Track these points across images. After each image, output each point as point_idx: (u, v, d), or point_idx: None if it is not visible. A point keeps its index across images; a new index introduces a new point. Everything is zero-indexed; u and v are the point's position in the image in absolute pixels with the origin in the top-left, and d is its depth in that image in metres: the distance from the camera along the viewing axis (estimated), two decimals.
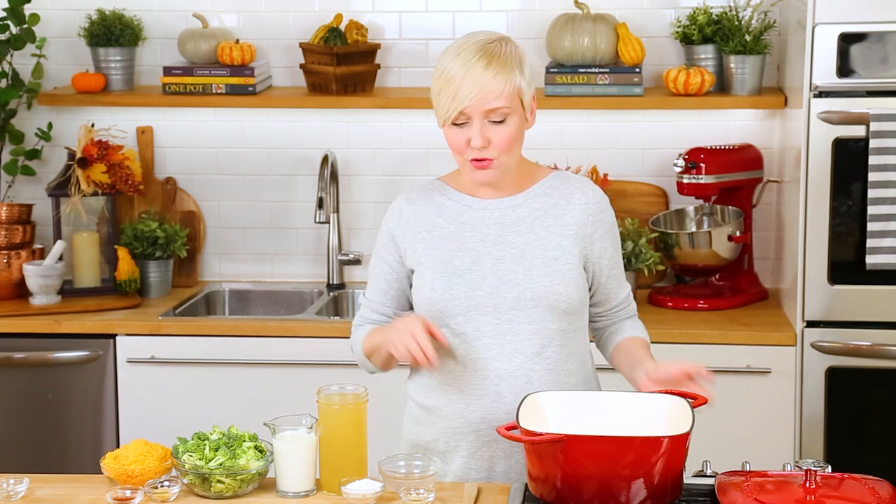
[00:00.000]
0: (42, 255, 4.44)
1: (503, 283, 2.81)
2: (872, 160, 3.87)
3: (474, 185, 2.87)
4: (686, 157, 4.27)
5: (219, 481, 2.68)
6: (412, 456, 2.76)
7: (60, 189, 4.40)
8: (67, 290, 4.40)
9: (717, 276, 4.40)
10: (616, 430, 2.63)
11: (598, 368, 3.00)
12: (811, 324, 3.99)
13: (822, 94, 3.91)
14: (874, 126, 3.86)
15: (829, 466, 2.62)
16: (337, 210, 4.59)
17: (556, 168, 3.15)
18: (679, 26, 4.43)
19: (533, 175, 2.90)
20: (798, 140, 3.97)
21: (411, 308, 2.94)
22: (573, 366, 2.88)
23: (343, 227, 4.64)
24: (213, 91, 4.47)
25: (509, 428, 2.56)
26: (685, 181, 4.27)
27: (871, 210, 3.88)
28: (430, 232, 2.87)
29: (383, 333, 2.82)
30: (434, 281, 2.83)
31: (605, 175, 4.43)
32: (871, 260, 3.90)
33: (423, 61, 4.59)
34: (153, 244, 4.46)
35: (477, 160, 2.76)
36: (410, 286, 2.92)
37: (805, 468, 2.50)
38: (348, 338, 4.07)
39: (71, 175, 4.38)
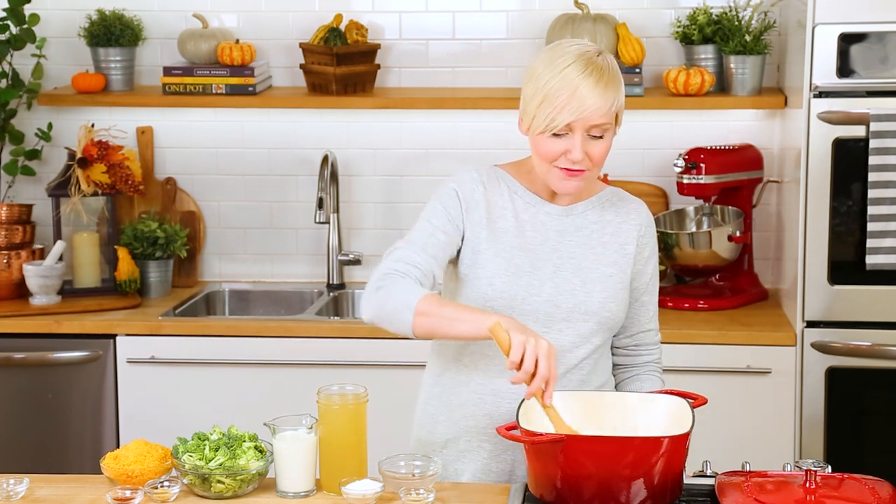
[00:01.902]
0: (42, 255, 4.44)
1: (560, 293, 2.79)
2: (872, 160, 3.87)
3: (540, 183, 2.83)
4: (686, 157, 4.27)
5: (219, 481, 2.68)
6: (412, 456, 2.76)
7: (60, 189, 4.40)
8: (67, 290, 4.39)
9: (717, 277, 4.40)
10: (616, 430, 2.63)
11: None
12: (811, 324, 3.99)
13: (822, 94, 3.91)
14: (874, 126, 3.86)
15: (829, 466, 2.61)
16: (337, 210, 4.59)
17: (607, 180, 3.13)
18: (679, 26, 4.43)
19: (591, 186, 2.88)
20: (798, 140, 3.97)
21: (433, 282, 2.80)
22: (604, 378, 2.90)
23: (343, 227, 4.64)
24: (213, 91, 4.47)
25: (509, 428, 2.56)
26: (685, 181, 4.27)
27: (871, 210, 3.88)
28: (494, 222, 2.82)
29: (486, 312, 2.63)
30: (494, 277, 2.78)
31: (605, 175, 4.43)
32: (871, 260, 3.90)
33: (423, 61, 4.59)
34: (153, 244, 4.46)
35: (569, 170, 2.73)
36: (450, 260, 2.83)
37: (805, 468, 2.50)
38: (347, 338, 4.12)
39: (71, 175, 4.38)
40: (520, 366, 2.54)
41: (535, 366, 2.53)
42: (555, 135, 2.70)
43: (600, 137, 2.71)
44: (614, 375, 2.95)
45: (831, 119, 3.89)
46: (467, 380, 2.85)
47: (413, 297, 2.66)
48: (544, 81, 2.69)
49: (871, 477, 2.54)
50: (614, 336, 2.92)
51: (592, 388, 2.84)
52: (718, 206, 4.38)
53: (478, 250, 2.81)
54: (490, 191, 2.84)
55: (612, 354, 2.94)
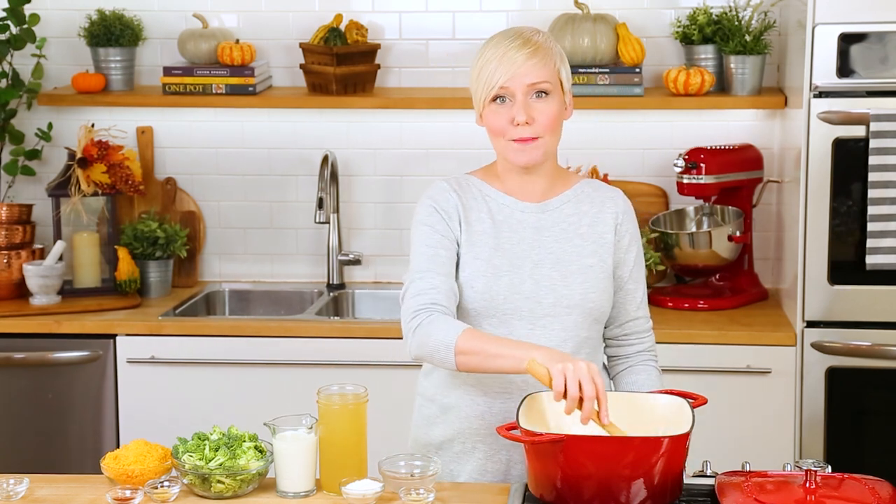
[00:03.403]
0: (42, 255, 4.44)
1: (541, 288, 2.79)
2: (872, 160, 3.87)
3: (510, 183, 2.84)
4: (686, 157, 4.27)
5: (219, 481, 2.68)
6: (412, 456, 2.76)
7: (60, 189, 4.40)
8: (67, 290, 4.39)
9: (717, 277, 4.40)
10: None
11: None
12: (811, 324, 3.99)
13: (822, 94, 3.91)
14: (874, 126, 3.86)
15: (829, 466, 2.61)
16: (337, 210, 4.59)
17: (582, 173, 3.14)
18: (679, 26, 4.43)
19: (565, 180, 2.89)
20: (798, 140, 3.97)
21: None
22: None
23: (343, 227, 4.64)
24: (213, 91, 4.47)
25: (509, 428, 2.56)
26: (685, 181, 4.27)
27: (871, 210, 3.88)
28: (471, 225, 2.83)
29: (522, 346, 2.64)
30: (473, 279, 2.79)
31: (605, 175, 4.43)
32: (871, 260, 3.90)
33: (423, 61, 4.59)
34: (153, 244, 4.46)
35: (521, 139, 2.75)
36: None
37: (805, 468, 2.50)
38: (347, 338, 4.12)
39: (71, 175, 4.38)
40: (565, 394, 2.53)
41: (581, 390, 2.52)
42: (496, 102, 2.76)
43: (545, 97, 2.75)
44: (609, 368, 2.95)
45: (831, 119, 3.89)
46: (458, 382, 2.85)
47: (451, 337, 2.67)
48: (477, 60, 2.80)
49: (871, 477, 2.54)
50: (605, 328, 2.91)
51: None
52: (718, 206, 4.38)
53: (458, 254, 2.82)
54: (463, 196, 2.85)
55: (605, 346, 2.94)
